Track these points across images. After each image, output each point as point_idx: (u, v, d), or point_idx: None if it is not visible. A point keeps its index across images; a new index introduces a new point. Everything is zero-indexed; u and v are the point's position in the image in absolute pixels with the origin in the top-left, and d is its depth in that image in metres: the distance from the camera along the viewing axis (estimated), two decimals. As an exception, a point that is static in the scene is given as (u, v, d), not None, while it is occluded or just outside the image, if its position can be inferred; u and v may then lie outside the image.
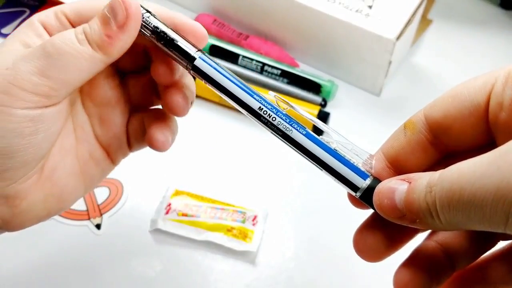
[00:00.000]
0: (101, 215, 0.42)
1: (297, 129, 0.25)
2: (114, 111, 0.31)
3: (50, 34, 0.28)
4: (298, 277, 0.40)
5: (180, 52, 0.27)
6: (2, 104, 0.24)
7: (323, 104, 0.50)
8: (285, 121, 0.26)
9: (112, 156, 0.32)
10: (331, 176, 0.25)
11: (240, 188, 0.45)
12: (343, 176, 0.25)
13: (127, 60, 0.30)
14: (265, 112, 0.26)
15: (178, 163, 0.46)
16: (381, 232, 0.25)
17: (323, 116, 0.48)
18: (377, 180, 0.24)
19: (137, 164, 0.45)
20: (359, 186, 0.24)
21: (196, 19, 0.56)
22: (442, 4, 0.62)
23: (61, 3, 0.56)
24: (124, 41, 0.26)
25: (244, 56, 0.52)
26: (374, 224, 0.26)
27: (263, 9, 0.53)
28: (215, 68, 0.26)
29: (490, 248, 0.26)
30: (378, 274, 0.41)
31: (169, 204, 0.42)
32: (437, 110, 0.24)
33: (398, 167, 0.25)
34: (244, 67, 0.52)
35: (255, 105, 0.26)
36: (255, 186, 0.45)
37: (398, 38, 0.47)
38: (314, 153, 0.25)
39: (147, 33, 0.27)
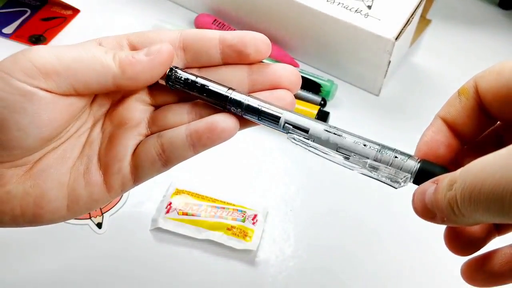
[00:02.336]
0: (102, 214, 0.42)
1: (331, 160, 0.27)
2: (126, 132, 0.29)
3: None
4: (297, 275, 0.40)
5: (214, 95, 0.28)
6: (3, 70, 0.25)
7: (323, 103, 0.50)
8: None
9: (109, 180, 0.29)
10: None
11: (240, 188, 0.45)
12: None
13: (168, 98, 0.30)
14: (298, 141, 0.27)
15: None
16: None
17: (323, 116, 0.48)
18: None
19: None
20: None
21: (196, 19, 0.56)
22: (441, 4, 0.62)
23: (61, 2, 0.57)
24: (143, 69, 0.27)
25: (244, 56, 0.52)
26: None
27: (263, 9, 0.53)
28: (244, 103, 0.28)
29: None
30: (377, 272, 0.41)
31: (170, 203, 0.42)
32: (484, 81, 0.25)
33: (457, 132, 0.26)
34: (244, 67, 0.52)
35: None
36: (256, 186, 0.45)
37: (397, 38, 0.48)
38: None
39: (180, 86, 0.28)
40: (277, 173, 0.47)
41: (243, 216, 0.42)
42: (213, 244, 0.41)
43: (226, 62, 0.29)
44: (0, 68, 0.26)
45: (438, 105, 0.27)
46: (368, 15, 0.49)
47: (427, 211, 0.24)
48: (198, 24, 0.56)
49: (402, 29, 0.48)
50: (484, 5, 0.63)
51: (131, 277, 0.39)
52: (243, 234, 0.41)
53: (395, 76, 0.54)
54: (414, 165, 0.25)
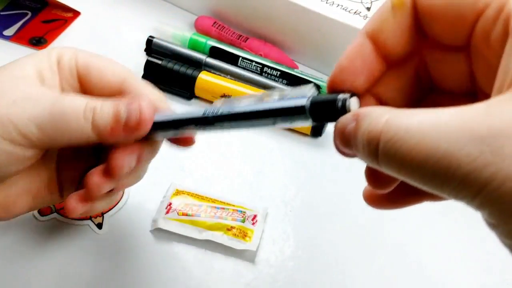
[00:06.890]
0: (102, 214, 0.42)
1: None
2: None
3: (60, 72, 0.31)
4: (297, 276, 0.40)
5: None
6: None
7: (322, 105, 0.50)
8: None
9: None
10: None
11: (240, 188, 0.45)
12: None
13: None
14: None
15: (179, 163, 0.46)
16: None
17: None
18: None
19: (138, 165, 0.45)
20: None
21: (196, 22, 0.57)
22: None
23: (62, 4, 0.57)
24: (121, 140, 0.29)
25: (244, 58, 0.52)
26: None
27: (263, 11, 0.54)
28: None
29: None
30: (377, 273, 0.41)
31: (170, 204, 0.42)
32: None
33: (384, 52, 0.24)
34: (244, 68, 0.52)
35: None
36: (255, 186, 0.46)
37: (396, 39, 0.48)
38: None
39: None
40: (277, 174, 0.47)
41: (242, 217, 0.42)
42: (213, 245, 0.41)
43: None
44: None
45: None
46: (367, 17, 0.49)
47: (347, 141, 0.22)
48: (198, 26, 0.57)
49: (401, 31, 0.48)
50: (483, 7, 0.63)
51: (131, 278, 0.39)
52: (243, 235, 0.41)
53: (394, 78, 0.54)
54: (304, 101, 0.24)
